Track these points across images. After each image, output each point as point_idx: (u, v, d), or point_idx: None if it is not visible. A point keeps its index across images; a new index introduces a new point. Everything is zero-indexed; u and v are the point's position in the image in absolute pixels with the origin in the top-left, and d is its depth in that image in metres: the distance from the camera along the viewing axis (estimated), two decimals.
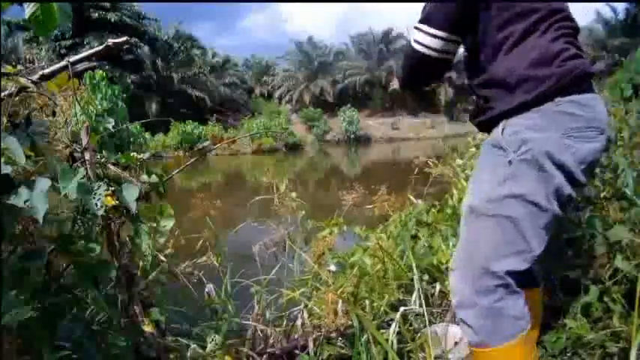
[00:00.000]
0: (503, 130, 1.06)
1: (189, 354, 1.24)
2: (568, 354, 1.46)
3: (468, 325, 1.06)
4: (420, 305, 1.61)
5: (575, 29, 1.12)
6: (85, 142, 1.16)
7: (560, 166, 0.99)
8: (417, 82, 1.33)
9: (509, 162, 1.03)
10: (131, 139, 15.92)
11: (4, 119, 1.09)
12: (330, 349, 1.55)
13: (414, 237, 2.40)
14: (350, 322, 1.53)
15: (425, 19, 1.12)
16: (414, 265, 1.84)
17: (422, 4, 1.14)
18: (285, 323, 1.74)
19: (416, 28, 1.14)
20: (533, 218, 1.01)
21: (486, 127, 1.18)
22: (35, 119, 1.19)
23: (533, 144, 1.00)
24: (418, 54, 1.13)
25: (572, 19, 1.12)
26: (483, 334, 1.03)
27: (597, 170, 2.58)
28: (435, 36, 1.10)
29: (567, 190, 1.01)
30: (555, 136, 1.00)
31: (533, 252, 1.02)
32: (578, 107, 1.01)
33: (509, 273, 1.02)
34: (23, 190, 0.95)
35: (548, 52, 1.03)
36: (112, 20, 24.59)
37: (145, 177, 1.31)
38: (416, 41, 1.14)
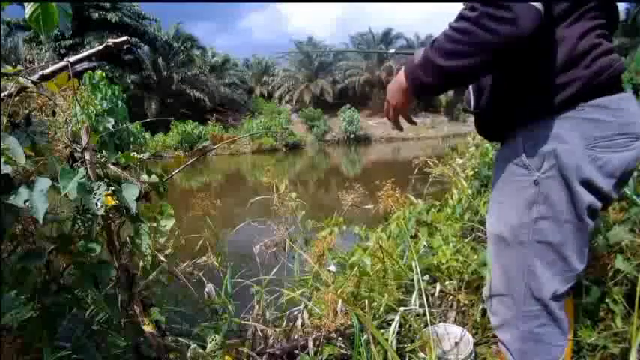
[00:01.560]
0: (523, 144, 0.94)
1: (189, 354, 1.24)
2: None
3: (506, 347, 1.04)
4: (420, 305, 1.61)
5: (613, 18, 0.95)
6: (85, 142, 1.16)
7: (586, 183, 0.89)
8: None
9: (535, 182, 0.92)
10: (131, 139, 15.93)
11: (4, 119, 1.09)
12: (330, 349, 1.54)
13: (414, 237, 2.40)
14: (350, 322, 1.53)
15: None
16: (413, 265, 1.84)
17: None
18: (285, 323, 1.74)
19: None
20: (569, 237, 0.93)
21: (498, 136, 1.06)
22: (35, 119, 1.19)
23: (556, 159, 0.89)
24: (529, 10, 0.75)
25: (611, 4, 0.94)
26: (520, 357, 1.00)
27: None
28: None
29: (598, 205, 0.92)
30: (579, 148, 0.88)
31: (575, 270, 0.96)
32: (605, 112, 0.88)
33: (554, 297, 0.96)
34: (23, 190, 0.95)
35: (576, 49, 0.88)
36: (112, 20, 24.58)
37: (145, 177, 1.31)
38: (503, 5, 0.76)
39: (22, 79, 1.09)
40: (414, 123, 1.14)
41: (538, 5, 0.77)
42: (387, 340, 1.49)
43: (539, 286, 0.96)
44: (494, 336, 1.23)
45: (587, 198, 0.90)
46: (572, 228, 0.92)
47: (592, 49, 0.88)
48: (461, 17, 0.83)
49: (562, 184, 0.90)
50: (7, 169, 0.95)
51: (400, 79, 0.97)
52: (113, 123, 1.63)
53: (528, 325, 0.98)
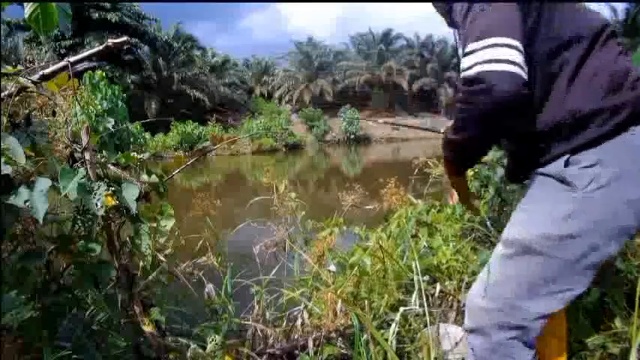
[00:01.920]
0: (567, 163, 0.91)
1: (189, 354, 1.24)
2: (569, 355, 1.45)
3: (473, 351, 1.04)
4: (420, 305, 1.61)
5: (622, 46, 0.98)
6: (85, 142, 1.16)
7: (633, 204, 0.88)
8: (497, 133, 0.96)
9: (575, 199, 0.90)
10: (131, 139, 15.93)
11: (4, 119, 1.09)
12: (330, 349, 1.54)
13: (414, 237, 2.40)
14: (350, 322, 1.53)
15: (484, 33, 0.83)
16: (413, 265, 1.84)
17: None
18: (285, 323, 1.74)
19: (471, 51, 0.84)
20: (586, 259, 0.91)
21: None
22: (35, 119, 1.19)
23: (605, 180, 0.87)
24: (503, 75, 0.80)
25: (616, 34, 0.97)
26: None
27: None
28: (512, 46, 0.82)
29: (633, 230, 0.92)
30: (631, 171, 0.88)
31: (576, 292, 0.95)
32: None
33: (541, 317, 0.96)
34: (23, 190, 0.95)
35: (616, 75, 0.89)
36: (112, 20, 24.59)
37: (145, 177, 1.31)
38: (486, 61, 0.81)
39: (22, 79, 1.10)
40: (472, 208, 1.26)
41: (512, 69, 0.80)
42: (387, 340, 1.49)
43: (533, 303, 0.95)
44: None
45: (626, 221, 0.90)
46: (593, 252, 0.91)
47: (629, 72, 0.90)
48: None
49: (604, 205, 0.89)
50: (7, 169, 0.95)
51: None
52: (113, 123, 1.63)
53: (501, 337, 0.98)
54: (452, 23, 1.02)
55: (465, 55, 0.86)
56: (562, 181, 0.92)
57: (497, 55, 0.81)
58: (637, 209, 0.89)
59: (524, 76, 0.82)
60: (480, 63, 0.82)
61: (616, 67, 0.90)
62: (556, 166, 0.93)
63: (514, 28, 0.84)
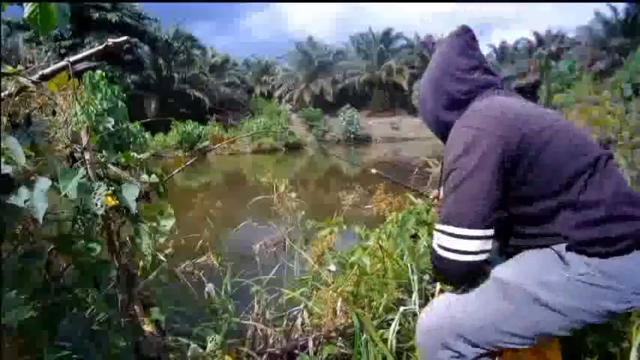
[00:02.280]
0: (568, 247, 0.95)
1: (189, 354, 1.24)
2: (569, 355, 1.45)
3: (421, 346, 1.09)
4: (420, 305, 1.61)
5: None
6: (85, 142, 1.16)
7: (605, 311, 0.93)
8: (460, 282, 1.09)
9: (568, 278, 0.94)
10: (131, 139, 15.91)
11: (4, 119, 1.09)
12: (330, 348, 1.55)
13: (414, 237, 2.40)
14: (350, 322, 1.53)
15: (448, 218, 0.97)
16: (413, 264, 1.84)
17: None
18: (285, 323, 1.74)
19: (439, 230, 1.00)
20: (544, 327, 0.97)
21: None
22: (35, 119, 1.19)
23: (596, 280, 0.92)
24: (455, 264, 0.97)
25: (613, 157, 1.02)
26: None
27: None
28: (470, 237, 0.95)
29: (590, 322, 0.96)
30: (619, 288, 0.92)
31: (512, 346, 1.00)
32: None
33: (478, 356, 1.02)
34: (23, 190, 0.95)
35: (618, 204, 0.94)
36: (112, 20, 24.57)
37: (145, 177, 1.31)
38: (445, 248, 0.98)
39: (22, 79, 1.09)
40: None
41: (462, 258, 0.96)
42: (387, 339, 1.49)
43: (484, 340, 1.00)
44: None
45: (594, 319, 0.95)
46: (561, 324, 0.96)
47: (631, 197, 0.95)
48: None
49: (585, 300, 0.93)
50: (7, 169, 0.95)
51: None
52: (113, 123, 1.63)
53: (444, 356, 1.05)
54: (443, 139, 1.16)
55: (436, 225, 1.02)
56: (561, 257, 0.96)
57: (451, 245, 0.97)
58: (607, 316, 0.94)
59: (475, 258, 0.96)
60: (440, 247, 1.00)
61: (617, 199, 0.93)
62: (558, 246, 0.96)
63: (477, 213, 0.94)
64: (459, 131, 1.01)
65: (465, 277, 1.01)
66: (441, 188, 1.19)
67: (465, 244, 0.95)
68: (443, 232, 0.99)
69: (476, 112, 1.02)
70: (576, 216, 0.94)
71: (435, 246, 1.02)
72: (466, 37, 1.13)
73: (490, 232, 0.96)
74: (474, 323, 1.01)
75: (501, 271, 1.04)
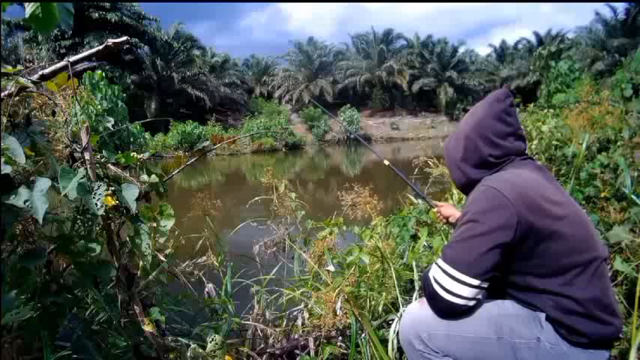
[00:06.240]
0: (547, 318, 1.04)
1: (189, 354, 1.24)
2: None
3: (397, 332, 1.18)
4: None
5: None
6: (84, 142, 1.16)
7: None
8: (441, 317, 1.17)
9: (536, 336, 1.03)
10: (131, 139, 15.92)
11: (4, 119, 1.09)
12: (330, 348, 1.54)
13: (414, 237, 2.40)
14: (350, 322, 1.53)
15: (455, 262, 1.05)
16: (413, 264, 1.84)
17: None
18: (285, 323, 1.74)
19: (440, 267, 1.07)
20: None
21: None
22: (35, 119, 1.19)
23: (562, 355, 1.02)
24: (446, 303, 1.06)
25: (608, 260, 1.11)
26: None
27: (597, 170, 2.57)
28: (467, 284, 1.03)
29: None
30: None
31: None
32: None
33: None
34: (23, 190, 0.95)
35: (600, 306, 1.02)
36: (112, 20, 24.58)
37: (145, 177, 1.31)
38: (441, 286, 1.06)
39: (22, 79, 1.09)
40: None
41: (455, 300, 1.04)
42: (387, 339, 1.49)
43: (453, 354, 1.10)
44: None
45: None
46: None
47: (611, 304, 1.03)
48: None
49: None
50: (7, 169, 0.95)
51: None
52: (113, 123, 1.63)
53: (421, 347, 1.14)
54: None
55: (439, 262, 1.08)
56: (538, 319, 1.05)
57: (449, 286, 1.05)
58: None
59: (466, 303, 1.05)
60: (437, 282, 1.07)
61: (595, 304, 1.01)
62: (539, 313, 1.05)
63: (480, 267, 1.02)
64: (489, 190, 1.07)
65: (448, 315, 1.09)
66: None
67: (461, 288, 1.04)
68: (445, 271, 1.06)
69: (508, 181, 1.08)
70: (557, 300, 1.02)
71: (431, 278, 1.09)
72: (507, 103, 1.18)
73: (485, 284, 1.04)
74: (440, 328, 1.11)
75: (485, 302, 1.12)
